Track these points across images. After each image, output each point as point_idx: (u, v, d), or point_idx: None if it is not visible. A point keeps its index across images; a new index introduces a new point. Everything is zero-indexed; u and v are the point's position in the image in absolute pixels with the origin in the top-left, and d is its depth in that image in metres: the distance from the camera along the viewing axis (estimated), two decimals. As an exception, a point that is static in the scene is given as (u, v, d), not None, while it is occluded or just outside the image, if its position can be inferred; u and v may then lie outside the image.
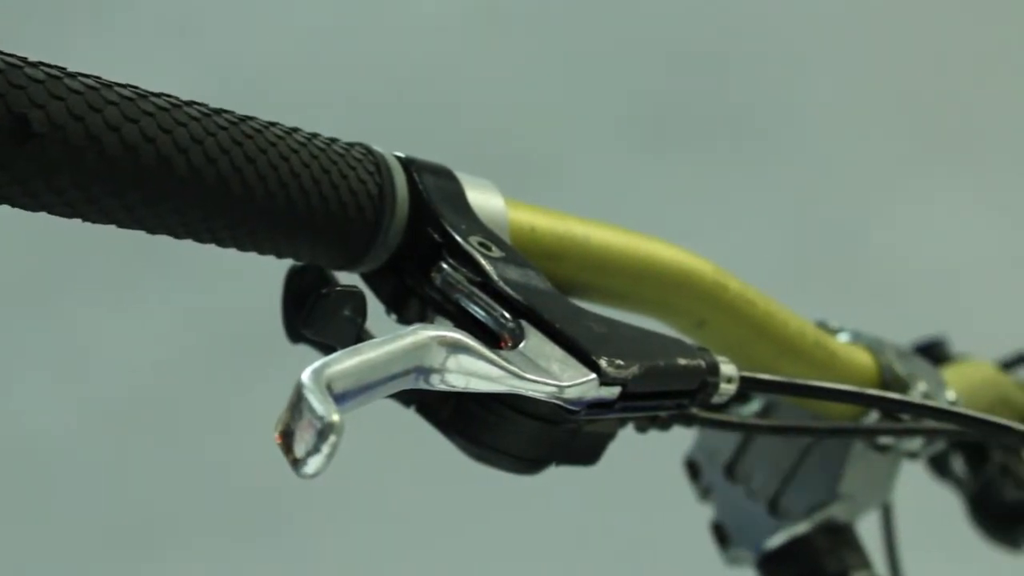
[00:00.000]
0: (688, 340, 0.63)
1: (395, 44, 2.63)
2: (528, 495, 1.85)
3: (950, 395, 0.79)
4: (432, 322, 0.61)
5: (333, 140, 0.60)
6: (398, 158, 0.62)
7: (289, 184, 0.58)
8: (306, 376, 0.51)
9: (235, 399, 2.18)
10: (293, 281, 0.63)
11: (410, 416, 0.63)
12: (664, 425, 0.67)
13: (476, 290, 0.60)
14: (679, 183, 2.42)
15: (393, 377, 0.54)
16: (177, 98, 0.56)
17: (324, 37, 2.65)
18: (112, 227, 0.56)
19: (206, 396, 2.22)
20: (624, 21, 2.65)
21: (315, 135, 0.60)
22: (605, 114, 2.52)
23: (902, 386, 0.77)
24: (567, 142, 2.48)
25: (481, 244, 0.61)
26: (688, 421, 0.68)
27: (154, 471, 2.15)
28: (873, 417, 0.76)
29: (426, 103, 2.53)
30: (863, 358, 0.77)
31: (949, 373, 0.82)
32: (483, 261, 0.60)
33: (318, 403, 0.51)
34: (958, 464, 0.88)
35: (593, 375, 0.58)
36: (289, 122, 0.60)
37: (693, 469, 0.83)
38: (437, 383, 0.56)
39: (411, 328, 0.55)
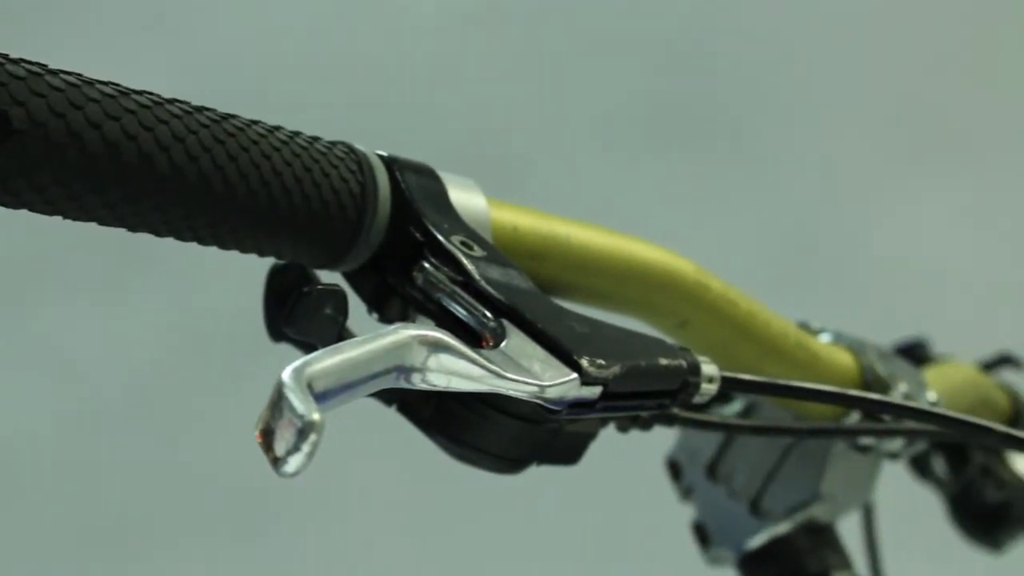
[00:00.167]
0: (670, 340, 0.64)
1: (376, 43, 2.63)
2: (511, 494, 1.85)
3: (931, 396, 0.79)
4: (414, 321, 0.61)
5: (315, 138, 0.60)
6: (380, 157, 0.62)
7: (271, 182, 0.58)
8: (286, 375, 0.51)
9: (216, 399, 2.17)
10: (275, 280, 0.63)
11: (392, 415, 0.63)
12: (645, 425, 0.67)
13: (458, 289, 0.60)
14: (666, 183, 2.42)
15: (374, 376, 0.54)
16: (159, 95, 0.56)
17: (300, 36, 2.65)
18: (93, 225, 0.56)
19: (187, 396, 2.22)
20: (605, 20, 2.64)
21: (297, 133, 0.60)
22: (588, 114, 2.52)
23: (883, 387, 0.77)
24: (546, 142, 2.48)
25: (463, 243, 0.61)
26: (670, 421, 0.68)
27: (135, 471, 2.14)
28: (854, 418, 0.76)
29: (411, 103, 2.53)
30: (844, 359, 0.77)
31: (930, 374, 0.82)
32: (465, 260, 0.60)
33: (298, 402, 0.51)
34: (939, 465, 0.88)
35: (574, 375, 0.58)
36: (271, 120, 0.59)
37: (675, 469, 0.83)
38: (418, 382, 0.56)
39: (392, 327, 0.55)
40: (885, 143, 2.49)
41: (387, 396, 0.61)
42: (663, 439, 0.80)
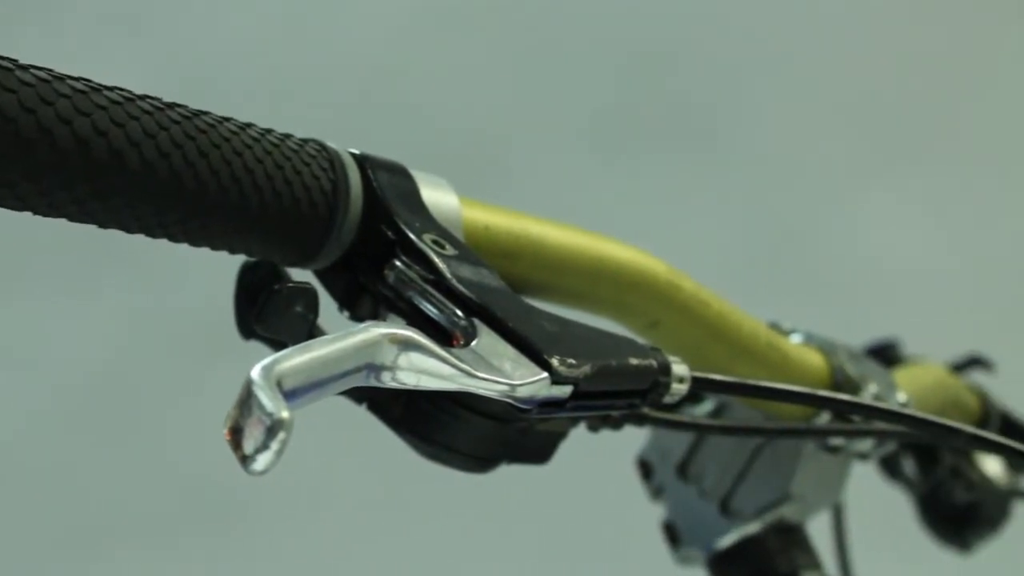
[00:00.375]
0: (641, 340, 0.64)
1: (350, 42, 2.63)
2: (481, 493, 1.85)
3: (901, 397, 0.79)
4: (385, 319, 0.61)
5: (287, 136, 0.60)
6: (352, 155, 0.62)
7: (242, 179, 0.57)
8: (256, 372, 0.51)
9: (186, 397, 2.17)
10: (246, 277, 0.63)
11: (363, 413, 0.63)
12: (616, 424, 0.67)
13: (429, 288, 0.60)
14: (637, 183, 2.43)
15: (344, 374, 0.54)
16: (130, 92, 0.56)
17: (276, 34, 2.64)
18: (62, 221, 0.55)
19: (157, 393, 2.21)
20: (579, 20, 2.65)
21: (269, 131, 0.60)
22: (561, 114, 2.52)
23: (853, 387, 0.77)
24: (519, 141, 2.48)
25: (434, 242, 0.61)
26: (640, 420, 0.68)
27: (104, 468, 2.13)
28: (825, 418, 0.76)
29: (382, 103, 2.53)
30: (815, 359, 0.77)
31: (900, 375, 0.82)
32: (436, 259, 0.60)
33: (268, 400, 0.50)
34: (909, 465, 0.88)
35: (545, 374, 0.58)
36: (244, 118, 0.59)
37: (645, 469, 0.84)
38: (388, 380, 0.56)
39: (363, 325, 0.55)
40: (856, 143, 2.50)
41: (357, 394, 0.61)
42: (633, 439, 0.80)
